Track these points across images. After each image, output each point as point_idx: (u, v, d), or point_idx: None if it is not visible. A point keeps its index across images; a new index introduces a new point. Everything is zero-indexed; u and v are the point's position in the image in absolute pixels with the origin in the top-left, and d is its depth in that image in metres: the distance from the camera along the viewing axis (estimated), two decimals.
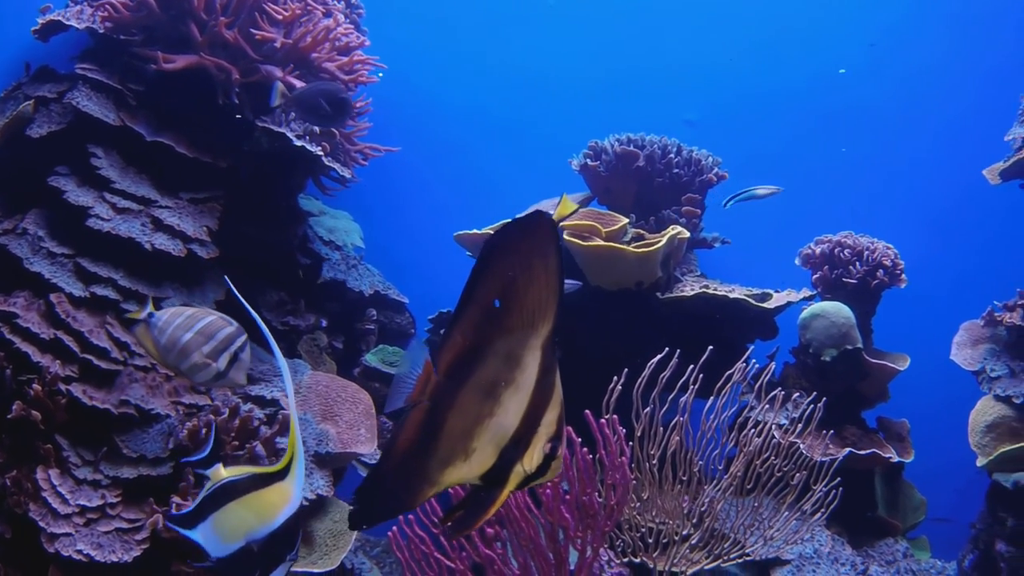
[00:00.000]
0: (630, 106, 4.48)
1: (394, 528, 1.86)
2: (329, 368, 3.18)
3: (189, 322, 1.95)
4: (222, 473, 1.31)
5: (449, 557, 1.85)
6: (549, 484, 1.87)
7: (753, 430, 2.48)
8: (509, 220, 0.97)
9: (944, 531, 3.68)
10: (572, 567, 1.97)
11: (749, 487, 2.55)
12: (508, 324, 1.00)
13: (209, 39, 2.80)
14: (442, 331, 3.45)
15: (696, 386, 2.37)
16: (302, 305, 3.21)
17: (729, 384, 2.43)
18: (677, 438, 2.42)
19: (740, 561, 2.63)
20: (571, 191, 3.82)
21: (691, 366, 2.37)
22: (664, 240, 3.05)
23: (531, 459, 1.03)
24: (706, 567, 2.52)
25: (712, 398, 2.44)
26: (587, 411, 1.85)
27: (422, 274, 4.03)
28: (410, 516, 1.85)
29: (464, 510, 1.06)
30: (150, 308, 1.96)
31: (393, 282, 3.85)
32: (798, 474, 2.54)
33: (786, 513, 2.56)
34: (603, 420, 1.89)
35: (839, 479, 2.55)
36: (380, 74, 3.54)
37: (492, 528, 1.85)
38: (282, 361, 1.30)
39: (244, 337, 2.00)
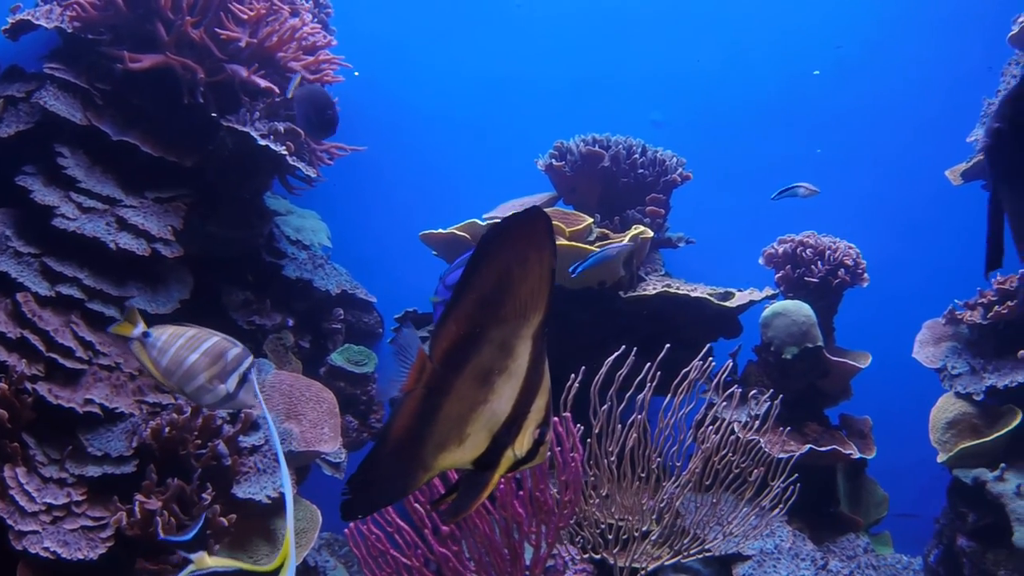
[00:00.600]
0: (597, 107, 4.48)
1: (351, 525, 1.87)
2: (295, 367, 3.19)
3: (193, 343, 1.91)
4: (207, 561, 1.30)
5: (405, 554, 1.87)
6: (503, 480, 1.89)
7: (711, 427, 2.51)
8: (507, 215, 1.00)
9: (911, 526, 3.72)
10: (528, 563, 1.99)
11: (708, 483, 2.57)
12: (502, 314, 1.03)
13: (175, 38, 2.80)
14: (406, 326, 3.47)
15: (654, 384, 2.40)
16: (268, 304, 3.22)
17: (687, 382, 2.46)
18: (635, 435, 2.44)
19: (701, 557, 2.66)
20: (537, 191, 3.84)
21: (648, 364, 2.39)
22: (626, 240, 3.07)
23: (522, 444, 1.07)
24: (666, 563, 2.55)
25: (669, 396, 2.47)
26: None
27: (390, 274, 4.03)
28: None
29: (458, 494, 1.10)
30: (142, 326, 1.94)
31: (361, 281, 3.85)
32: (756, 470, 2.57)
33: (745, 509, 2.59)
34: (555, 418, 1.91)
35: (796, 475, 2.58)
36: (356, 72, 3.54)
37: (447, 525, 1.87)
38: (284, 469, 1.32)
39: (251, 358, 1.98)
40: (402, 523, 1.90)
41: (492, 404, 1.05)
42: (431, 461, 1.05)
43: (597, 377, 2.42)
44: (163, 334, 1.92)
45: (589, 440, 2.42)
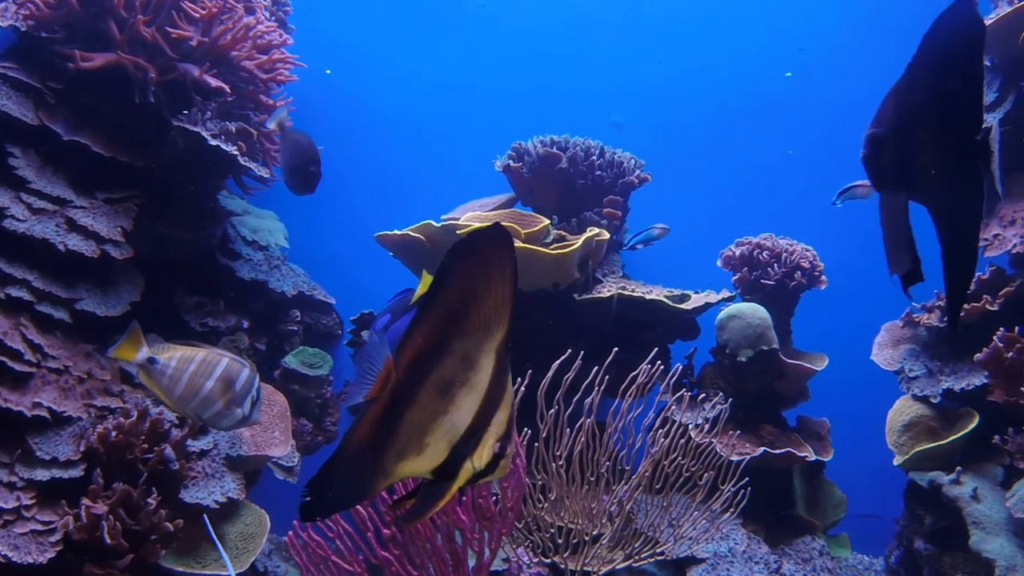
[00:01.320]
0: (559, 108, 4.46)
1: (290, 532, 1.85)
2: None
3: (206, 368, 1.94)
4: None
5: (346, 560, 1.85)
6: None
7: (662, 430, 2.50)
8: (471, 231, 1.02)
9: (873, 527, 3.72)
10: (472, 568, 1.97)
11: (659, 487, 2.56)
12: (466, 327, 1.05)
13: (128, 37, 2.77)
14: (363, 332, 3.44)
15: (602, 387, 2.38)
16: (222, 306, 3.18)
17: (635, 385, 2.44)
18: (583, 439, 2.42)
19: (653, 560, 2.65)
20: (496, 192, 3.81)
21: (597, 367, 2.38)
22: (580, 242, 3.06)
23: (481, 456, 1.09)
24: (618, 567, 2.54)
25: (618, 399, 2.45)
26: None
27: (350, 275, 3.99)
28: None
29: (416, 500, 1.11)
30: (146, 350, 1.90)
31: (320, 283, 3.81)
32: (707, 473, 2.56)
33: (696, 512, 2.58)
34: None
35: (747, 479, 2.57)
36: (328, 71, 3.51)
37: (388, 529, 1.85)
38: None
39: (258, 377, 2.02)
40: (345, 525, 1.88)
41: (452, 416, 1.06)
42: (391, 468, 1.06)
43: (544, 380, 2.40)
44: (172, 359, 1.93)
45: (537, 444, 2.41)
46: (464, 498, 1.91)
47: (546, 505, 2.53)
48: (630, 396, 2.44)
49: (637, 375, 2.46)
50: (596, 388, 2.38)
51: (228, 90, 2.90)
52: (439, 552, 1.87)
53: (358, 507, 1.84)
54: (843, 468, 3.52)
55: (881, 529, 3.66)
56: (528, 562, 2.50)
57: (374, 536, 1.85)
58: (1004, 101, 3.29)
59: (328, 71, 4.10)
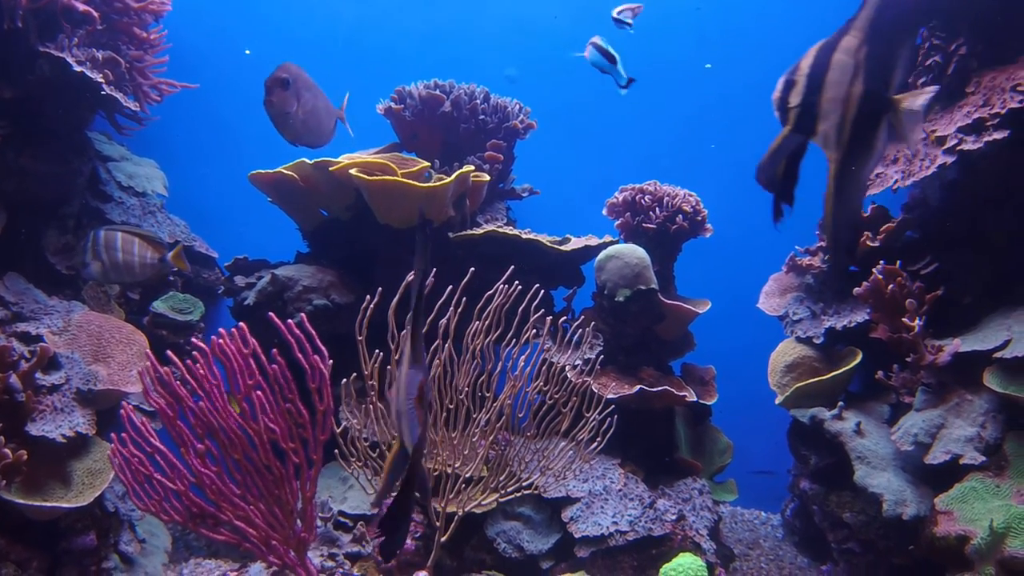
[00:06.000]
0: (452, 61, 4.39)
1: (112, 447, 1.77)
2: (117, 316, 3.05)
3: None
4: None
5: (169, 478, 1.78)
6: (253, 393, 1.80)
7: (523, 356, 2.44)
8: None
9: (772, 484, 3.71)
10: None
11: (522, 416, 2.51)
12: None
13: None
14: (237, 278, 3.33)
15: (459, 309, 2.33)
16: None
17: (492, 306, 2.38)
18: (439, 364, 2.36)
19: (524, 496, 2.61)
20: (382, 140, 3.71)
21: (452, 286, 2.32)
22: (453, 177, 2.99)
23: None
24: (484, 501, 2.48)
25: (475, 321, 2.39)
26: (271, 313, 1.79)
27: (236, 230, 3.89)
28: (124, 435, 1.77)
29: None
30: None
31: (205, 237, 3.71)
32: (572, 399, 2.51)
33: (562, 443, 2.54)
34: (291, 321, 1.82)
35: (613, 407, 2.53)
36: (248, 51, 3.40)
37: (202, 443, 1.78)
38: None
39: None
40: (159, 445, 1.79)
41: None
42: None
43: (393, 301, 2.34)
44: None
45: (389, 367, 2.33)
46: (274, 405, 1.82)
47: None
48: (487, 317, 2.38)
49: (493, 294, 2.40)
50: (451, 309, 2.32)
51: (96, 15, 2.82)
52: (257, 465, 1.79)
53: (174, 416, 1.76)
54: (740, 427, 3.50)
55: (779, 487, 3.65)
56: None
57: (191, 451, 1.77)
58: None
59: (248, 51, 4.00)
